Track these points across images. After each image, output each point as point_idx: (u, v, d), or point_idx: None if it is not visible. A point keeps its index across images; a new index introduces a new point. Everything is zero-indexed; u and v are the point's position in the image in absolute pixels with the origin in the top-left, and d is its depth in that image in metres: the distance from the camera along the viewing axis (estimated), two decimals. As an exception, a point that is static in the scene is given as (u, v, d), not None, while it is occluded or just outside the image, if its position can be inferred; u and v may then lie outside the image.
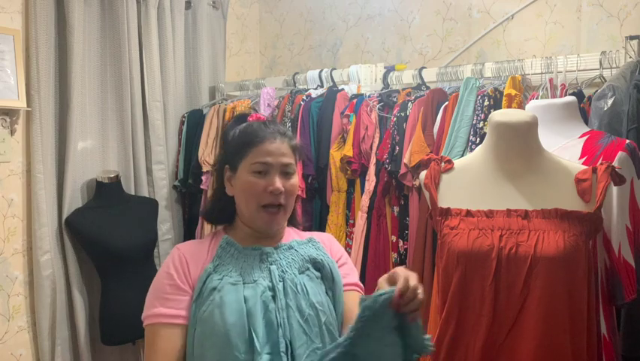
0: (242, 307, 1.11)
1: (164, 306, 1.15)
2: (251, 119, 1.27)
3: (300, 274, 1.19)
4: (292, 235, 1.30)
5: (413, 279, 1.02)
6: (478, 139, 1.92)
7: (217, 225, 1.31)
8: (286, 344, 1.10)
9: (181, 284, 1.16)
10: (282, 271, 1.18)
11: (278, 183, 1.18)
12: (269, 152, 1.19)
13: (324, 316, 1.17)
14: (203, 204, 2.75)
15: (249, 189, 1.20)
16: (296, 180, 1.23)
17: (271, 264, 1.18)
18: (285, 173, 1.20)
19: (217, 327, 1.10)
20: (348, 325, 1.06)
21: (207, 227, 2.70)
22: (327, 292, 1.21)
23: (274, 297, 1.14)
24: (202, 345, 1.12)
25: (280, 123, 1.33)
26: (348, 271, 1.29)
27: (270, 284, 1.15)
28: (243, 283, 1.14)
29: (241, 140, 1.23)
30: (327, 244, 1.30)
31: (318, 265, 1.22)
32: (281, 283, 1.16)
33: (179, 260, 1.20)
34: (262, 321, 1.11)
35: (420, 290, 1.02)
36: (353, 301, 1.19)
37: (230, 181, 1.24)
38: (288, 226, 1.32)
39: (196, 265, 1.19)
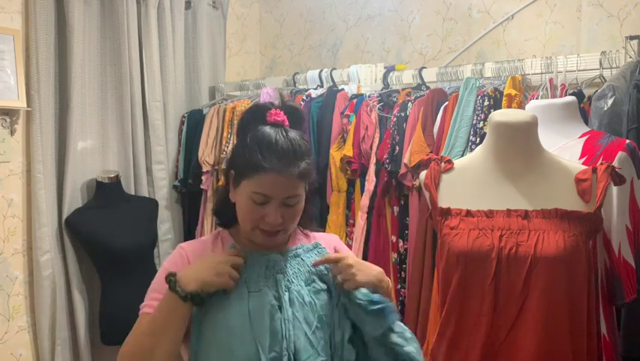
0: (246, 313, 1.09)
1: (158, 299, 1.12)
2: (270, 118, 1.14)
3: (306, 286, 1.17)
4: (299, 238, 1.27)
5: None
6: (478, 139, 1.92)
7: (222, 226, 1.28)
8: (289, 357, 1.08)
9: None
10: (288, 280, 1.16)
11: (275, 216, 1.11)
12: (272, 185, 1.10)
13: (331, 328, 1.15)
14: (203, 205, 2.75)
15: (246, 214, 1.15)
16: (300, 206, 1.17)
17: (277, 273, 1.15)
18: (288, 204, 1.14)
19: (218, 331, 1.09)
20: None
21: (207, 227, 2.70)
22: (336, 304, 1.17)
23: (280, 307, 1.11)
24: (202, 347, 1.11)
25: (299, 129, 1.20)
26: None
27: (276, 294, 1.12)
28: (249, 292, 1.12)
29: (248, 157, 1.11)
30: (331, 250, 1.28)
31: (324, 278, 1.19)
32: (287, 294, 1.13)
33: (181, 259, 1.19)
34: (267, 330, 1.09)
35: (344, 259, 1.16)
36: None
37: (234, 189, 1.18)
38: (297, 226, 1.27)
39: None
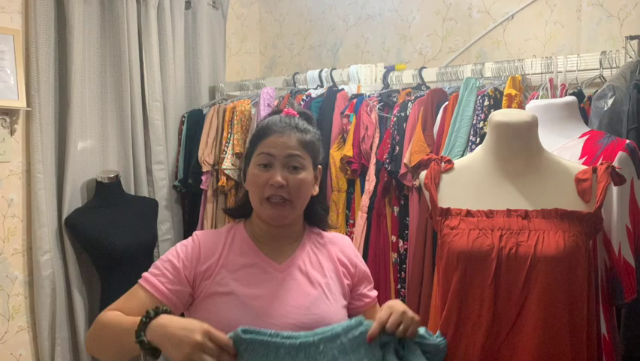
0: None
1: (156, 277, 1.17)
2: (283, 113, 1.29)
3: None
4: (312, 236, 1.31)
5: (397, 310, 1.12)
6: (478, 139, 1.92)
7: (236, 218, 1.32)
8: None
9: (182, 270, 1.18)
10: None
11: (279, 176, 1.18)
12: (274, 144, 1.20)
13: None
14: (203, 205, 2.75)
15: (253, 182, 1.21)
16: (305, 175, 1.21)
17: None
18: (292, 167, 1.20)
19: None
20: None
21: (207, 227, 2.70)
22: None
23: None
24: None
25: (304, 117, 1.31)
26: (367, 284, 1.35)
27: None
28: None
29: (255, 134, 1.25)
30: (348, 258, 1.32)
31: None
32: None
33: (193, 245, 1.22)
34: None
35: (409, 313, 1.13)
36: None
37: (246, 175, 1.26)
38: (310, 225, 1.32)
39: (207, 256, 1.20)
